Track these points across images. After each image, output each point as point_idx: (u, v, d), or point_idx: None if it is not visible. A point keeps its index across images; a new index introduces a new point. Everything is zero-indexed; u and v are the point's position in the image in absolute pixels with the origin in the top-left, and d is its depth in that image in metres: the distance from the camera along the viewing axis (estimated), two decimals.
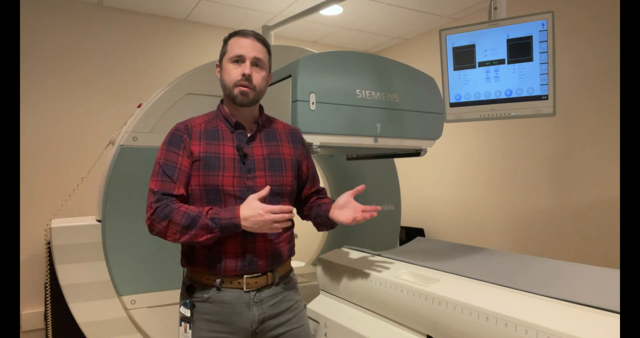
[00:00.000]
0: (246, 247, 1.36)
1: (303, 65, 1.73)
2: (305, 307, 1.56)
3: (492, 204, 3.42)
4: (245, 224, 1.28)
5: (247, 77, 1.35)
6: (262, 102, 1.50)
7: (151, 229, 1.34)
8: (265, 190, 1.31)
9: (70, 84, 3.30)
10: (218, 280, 1.36)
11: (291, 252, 1.50)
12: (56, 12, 3.26)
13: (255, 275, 1.37)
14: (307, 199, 1.58)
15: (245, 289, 1.36)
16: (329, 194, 1.96)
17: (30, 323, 3.05)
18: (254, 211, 1.27)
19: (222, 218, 1.28)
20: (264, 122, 1.48)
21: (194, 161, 1.36)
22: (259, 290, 1.38)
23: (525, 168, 3.17)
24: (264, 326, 1.38)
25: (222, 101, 1.48)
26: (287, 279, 1.47)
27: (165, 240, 1.35)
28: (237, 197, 1.35)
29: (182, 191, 1.35)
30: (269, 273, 1.40)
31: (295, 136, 1.53)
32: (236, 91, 1.37)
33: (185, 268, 1.46)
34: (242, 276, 1.36)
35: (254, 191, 1.35)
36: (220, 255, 1.34)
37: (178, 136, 1.39)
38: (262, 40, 1.42)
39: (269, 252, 1.39)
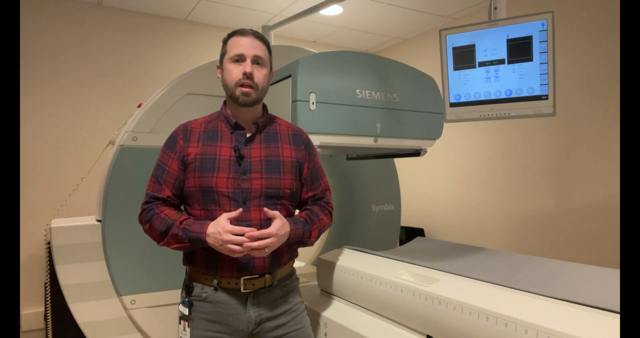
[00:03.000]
0: None
1: (303, 65, 1.73)
2: (305, 307, 1.55)
3: (492, 204, 3.42)
4: (209, 240, 1.27)
5: (248, 76, 1.35)
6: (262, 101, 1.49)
7: (143, 229, 1.40)
8: (237, 212, 1.28)
9: (70, 84, 3.30)
10: (215, 280, 1.36)
11: (293, 255, 1.49)
12: (56, 12, 3.26)
13: (253, 276, 1.37)
14: (304, 204, 1.53)
15: (242, 290, 1.35)
16: None
17: (30, 323, 3.05)
18: (215, 228, 1.26)
19: (191, 231, 1.30)
20: (266, 123, 1.46)
21: (190, 163, 1.37)
22: (256, 291, 1.37)
23: (525, 167, 3.17)
24: (261, 327, 1.38)
25: (225, 102, 1.47)
26: (287, 281, 1.46)
27: None
28: (231, 199, 1.34)
29: (168, 193, 1.38)
30: (267, 275, 1.39)
31: (298, 137, 1.49)
32: (238, 91, 1.36)
33: (186, 267, 1.46)
34: (239, 277, 1.35)
35: (249, 193, 1.35)
36: (218, 255, 1.34)
37: (174, 139, 1.42)
38: (262, 38, 1.41)
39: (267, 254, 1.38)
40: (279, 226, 1.30)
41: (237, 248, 1.23)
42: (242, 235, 1.25)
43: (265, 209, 1.31)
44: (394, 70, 1.99)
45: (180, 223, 1.32)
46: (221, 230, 1.24)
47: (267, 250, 1.28)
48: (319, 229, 1.46)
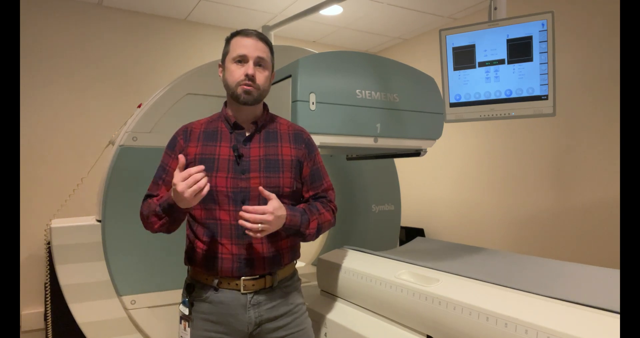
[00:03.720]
0: (244, 248, 1.35)
1: (303, 65, 1.73)
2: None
3: (492, 204, 3.42)
4: (177, 202, 1.23)
5: (250, 78, 1.35)
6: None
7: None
8: (181, 158, 1.22)
9: (70, 84, 3.30)
10: (216, 281, 1.36)
11: (294, 256, 1.48)
12: (56, 12, 3.26)
13: (253, 277, 1.36)
14: (305, 202, 1.51)
15: (242, 291, 1.35)
16: None
17: (30, 323, 3.05)
18: (172, 186, 1.22)
19: (162, 201, 1.29)
20: (265, 122, 1.46)
21: (190, 162, 1.36)
22: (256, 292, 1.37)
23: (525, 168, 3.17)
24: (261, 329, 1.38)
25: (226, 103, 1.47)
26: (288, 282, 1.45)
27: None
28: (230, 198, 1.34)
29: (162, 193, 1.39)
30: (267, 276, 1.38)
31: (299, 136, 1.49)
32: (239, 89, 1.36)
33: (188, 267, 1.46)
34: (239, 278, 1.35)
35: (248, 192, 1.35)
36: (218, 255, 1.34)
37: (175, 139, 1.44)
38: (265, 40, 1.41)
39: (267, 254, 1.37)
40: (276, 206, 1.27)
41: (198, 185, 1.18)
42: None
43: (261, 188, 1.29)
44: (394, 70, 1.99)
45: (157, 200, 1.33)
46: (174, 186, 1.20)
47: (260, 227, 1.24)
48: (319, 222, 1.42)
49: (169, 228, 1.36)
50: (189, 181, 1.18)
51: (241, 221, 1.24)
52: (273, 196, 1.30)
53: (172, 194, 1.24)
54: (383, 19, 3.73)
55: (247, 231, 1.25)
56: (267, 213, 1.24)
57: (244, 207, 1.24)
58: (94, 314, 2.00)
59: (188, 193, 1.18)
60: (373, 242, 2.72)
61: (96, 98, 3.38)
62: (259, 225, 1.24)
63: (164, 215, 1.30)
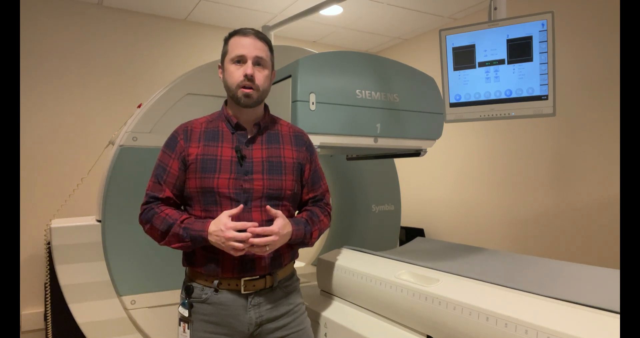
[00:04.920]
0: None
1: (303, 65, 1.73)
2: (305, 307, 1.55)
3: (492, 204, 3.42)
4: (210, 238, 1.28)
5: (249, 78, 1.35)
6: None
7: (143, 229, 1.41)
8: (238, 209, 1.29)
9: (70, 84, 3.30)
10: (216, 282, 1.36)
11: (293, 256, 1.49)
12: (56, 12, 3.26)
13: (254, 277, 1.36)
14: (304, 205, 1.53)
15: (243, 291, 1.35)
16: None
17: (30, 323, 3.05)
18: (217, 226, 1.26)
19: (192, 229, 1.30)
20: (267, 124, 1.46)
21: (191, 163, 1.36)
22: (257, 292, 1.37)
23: (525, 168, 3.17)
24: (261, 329, 1.38)
25: (226, 102, 1.47)
26: (287, 282, 1.45)
27: None
28: (232, 199, 1.34)
29: (168, 194, 1.38)
30: (267, 276, 1.39)
31: (300, 138, 1.49)
32: (239, 93, 1.36)
33: (186, 268, 1.46)
34: (239, 279, 1.35)
35: (251, 193, 1.35)
36: (218, 256, 1.34)
37: (174, 139, 1.41)
38: (263, 38, 1.40)
39: (268, 255, 1.37)
40: (281, 225, 1.30)
41: (240, 245, 1.24)
42: (245, 230, 1.25)
43: (268, 207, 1.31)
44: (394, 70, 1.99)
45: (182, 222, 1.32)
46: (223, 227, 1.24)
47: (268, 248, 1.28)
48: (319, 230, 1.47)
49: (186, 251, 1.39)
50: (239, 236, 1.23)
51: (249, 241, 1.25)
52: (279, 213, 1.32)
53: (207, 227, 1.28)
54: (383, 19, 3.73)
55: (235, 247, 1.26)
56: (273, 234, 1.28)
57: (250, 230, 1.26)
58: (94, 314, 2.00)
59: (231, 246, 1.24)
60: (373, 242, 2.72)
61: (96, 98, 3.38)
62: (267, 247, 1.28)
63: (190, 242, 1.31)
